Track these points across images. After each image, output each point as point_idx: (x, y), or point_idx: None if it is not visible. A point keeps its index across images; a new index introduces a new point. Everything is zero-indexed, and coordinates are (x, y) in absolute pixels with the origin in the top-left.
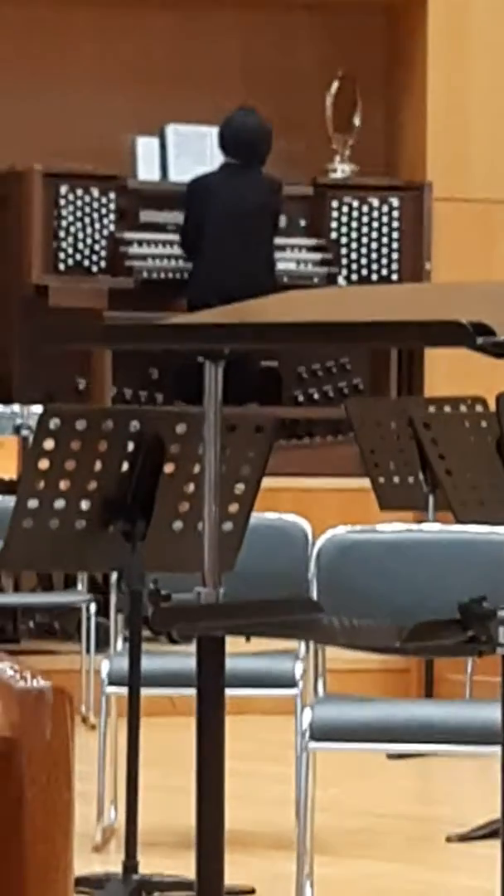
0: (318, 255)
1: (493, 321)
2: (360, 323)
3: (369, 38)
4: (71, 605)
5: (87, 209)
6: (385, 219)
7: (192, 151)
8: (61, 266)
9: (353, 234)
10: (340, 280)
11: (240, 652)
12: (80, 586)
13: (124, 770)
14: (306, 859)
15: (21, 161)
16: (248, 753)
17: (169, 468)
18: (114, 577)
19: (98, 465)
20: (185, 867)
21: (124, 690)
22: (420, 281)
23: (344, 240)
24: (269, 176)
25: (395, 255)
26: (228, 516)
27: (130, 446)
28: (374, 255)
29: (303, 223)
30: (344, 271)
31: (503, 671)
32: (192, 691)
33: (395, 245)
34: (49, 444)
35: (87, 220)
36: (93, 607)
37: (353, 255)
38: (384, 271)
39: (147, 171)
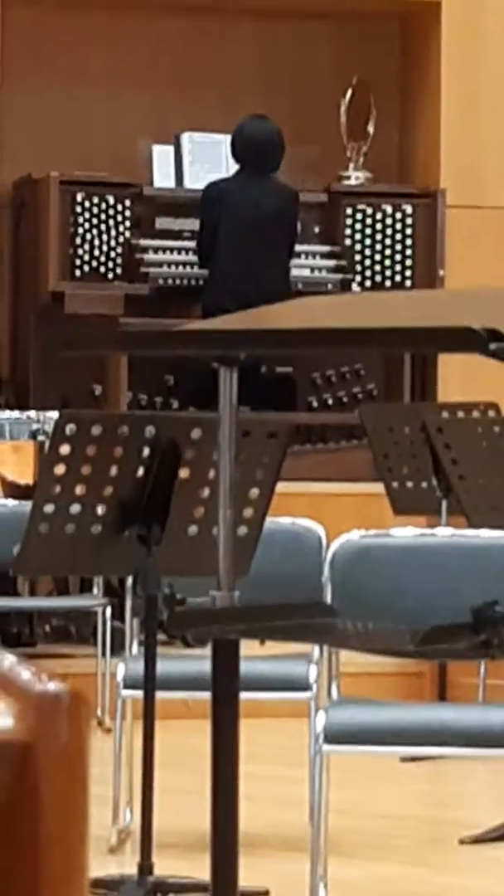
0: (332, 262)
1: None
2: (373, 329)
3: (384, 46)
4: (87, 609)
5: (103, 216)
6: (399, 225)
7: (208, 159)
8: (77, 273)
9: (367, 241)
10: (354, 286)
11: (254, 655)
12: (95, 590)
13: (140, 773)
14: (320, 861)
15: (37, 169)
16: (263, 756)
17: (184, 473)
18: (129, 581)
19: (114, 470)
20: (199, 869)
21: (140, 694)
22: (433, 287)
23: (358, 246)
24: (285, 184)
25: (408, 262)
26: (243, 521)
27: (146, 451)
28: (387, 262)
29: (317, 230)
30: (358, 278)
31: None
32: (207, 695)
33: (408, 252)
34: (65, 449)
35: (102, 227)
36: (108, 611)
37: (367, 262)
38: (398, 278)
39: (162, 178)
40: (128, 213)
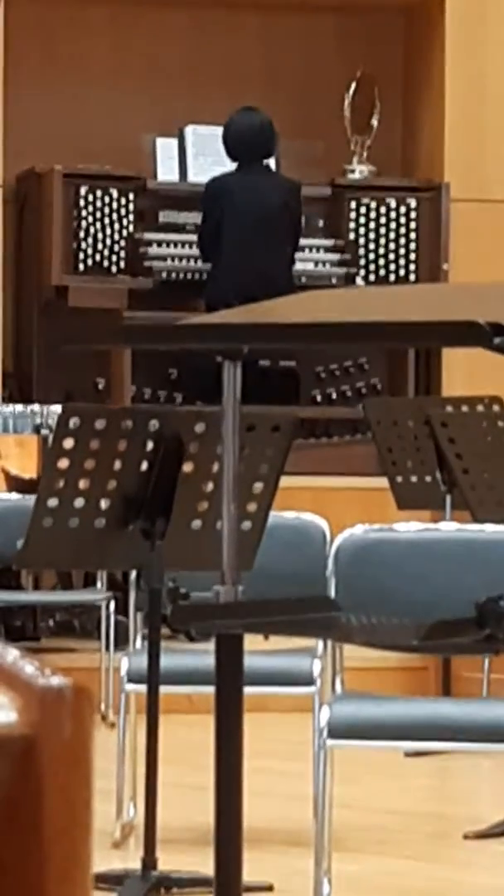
0: (336, 256)
1: None
2: (377, 323)
3: (387, 39)
4: (90, 604)
5: (107, 210)
6: (403, 219)
7: (211, 152)
8: (81, 266)
9: (371, 235)
10: (358, 280)
11: (258, 650)
12: (99, 585)
13: (143, 767)
14: (324, 856)
15: (41, 162)
16: (266, 751)
17: (188, 467)
18: (133, 575)
19: (117, 465)
20: (203, 864)
21: (143, 688)
22: (437, 281)
23: (362, 240)
24: (288, 177)
25: (412, 256)
26: (247, 515)
27: (150, 445)
28: (391, 256)
29: (321, 224)
30: (362, 272)
31: None
32: (211, 689)
33: (412, 245)
34: (69, 443)
35: (106, 220)
36: (112, 605)
37: (371, 256)
38: (402, 272)
39: (166, 171)
40: (131, 206)
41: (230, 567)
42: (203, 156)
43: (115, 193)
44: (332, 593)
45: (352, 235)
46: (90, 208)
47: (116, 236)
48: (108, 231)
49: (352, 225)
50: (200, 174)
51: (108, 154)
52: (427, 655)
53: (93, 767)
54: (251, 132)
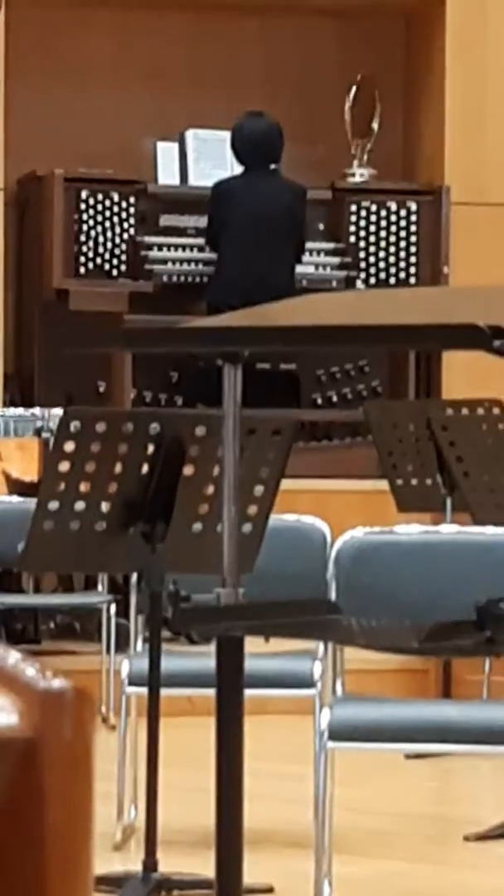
0: (336, 259)
1: None
2: (378, 326)
3: (388, 43)
4: (91, 606)
5: (108, 213)
6: (403, 223)
7: (212, 156)
8: (82, 270)
9: (372, 238)
10: (359, 284)
11: (259, 652)
12: (100, 587)
13: (144, 769)
14: (325, 858)
15: (42, 166)
16: (267, 753)
17: (188, 470)
18: (134, 578)
19: (118, 468)
20: (204, 866)
21: (144, 691)
22: (438, 284)
23: (362, 244)
24: (292, 181)
25: (413, 259)
26: (247, 518)
27: (150, 448)
28: (392, 259)
29: (321, 227)
30: (362, 275)
31: None
32: (212, 691)
33: (413, 249)
34: (70, 446)
35: (107, 224)
36: (113, 608)
37: (372, 259)
38: (402, 275)
39: (167, 175)
40: (132, 210)
41: (231, 570)
42: (204, 160)
43: (115, 197)
44: (333, 596)
45: (352, 239)
46: (91, 212)
47: (117, 240)
48: (109, 234)
49: (352, 228)
50: (201, 178)
51: (109, 158)
52: (427, 658)
53: (93, 769)
54: (260, 137)
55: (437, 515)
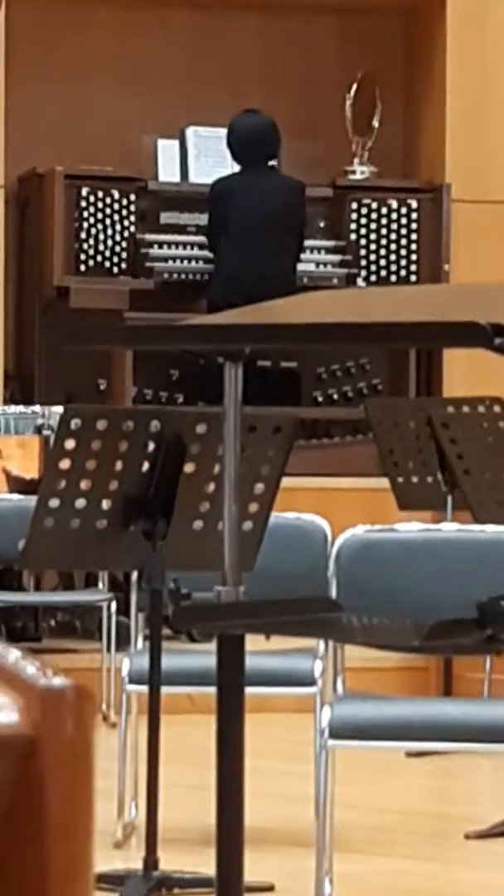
0: (337, 257)
1: None
2: (379, 324)
3: (389, 40)
4: (92, 604)
5: (108, 211)
6: (404, 220)
7: (213, 153)
8: (82, 267)
9: (373, 236)
10: (360, 281)
11: (259, 650)
12: (100, 585)
13: (144, 767)
14: (325, 856)
15: (42, 163)
16: (268, 751)
17: (189, 468)
18: (134, 576)
19: (119, 465)
20: (205, 864)
21: (145, 689)
22: (439, 282)
23: (363, 241)
24: (291, 177)
25: (413, 257)
26: (248, 516)
27: (151, 446)
28: (393, 257)
29: (322, 225)
30: (363, 272)
31: None
32: (212, 689)
33: (413, 246)
34: (70, 443)
35: (107, 221)
36: (113, 606)
37: (373, 257)
38: (403, 272)
39: (167, 173)
40: (133, 207)
41: (231, 567)
42: (204, 157)
43: (116, 194)
44: (334, 594)
45: (353, 236)
46: (92, 209)
47: (118, 237)
48: (110, 232)
49: (353, 226)
50: (202, 175)
51: (109, 155)
52: (428, 656)
53: (94, 767)
54: (255, 134)
55: (438, 513)
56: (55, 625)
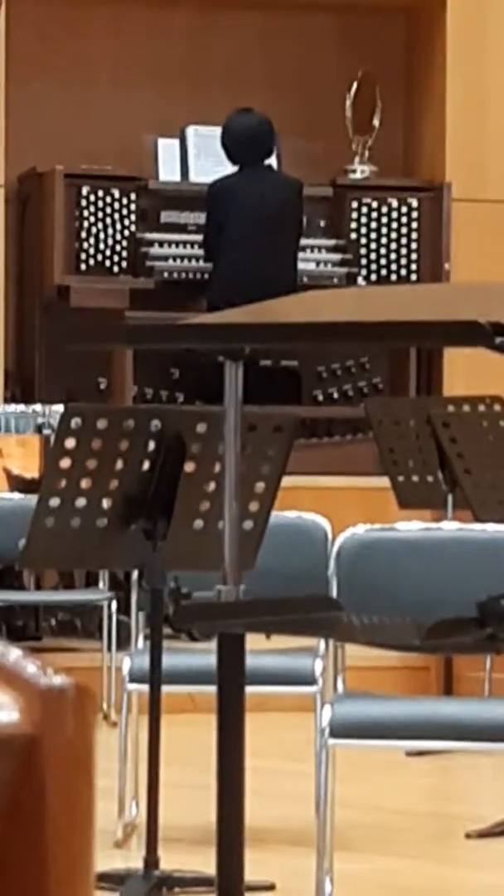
0: (337, 256)
1: None
2: (379, 323)
3: (389, 40)
4: (92, 603)
5: (109, 210)
6: (404, 219)
7: (213, 153)
8: (83, 266)
9: (373, 235)
10: (360, 280)
11: (260, 649)
12: (101, 584)
13: (145, 766)
14: (326, 855)
15: (42, 163)
16: (268, 750)
17: (189, 467)
18: (135, 575)
19: (119, 464)
20: (205, 863)
21: (145, 688)
22: (439, 281)
23: (363, 240)
24: (289, 176)
25: (414, 256)
26: (249, 515)
27: (151, 445)
28: (393, 256)
29: (322, 224)
30: (363, 271)
31: None
32: (213, 688)
33: (414, 245)
34: (71, 443)
35: (108, 220)
36: (114, 605)
37: (373, 256)
38: (403, 271)
39: (168, 172)
40: (133, 206)
41: (232, 567)
42: (204, 156)
43: (116, 194)
44: (334, 593)
45: (353, 235)
46: (92, 208)
47: (118, 236)
48: (110, 231)
49: (353, 225)
50: (202, 174)
51: (109, 154)
52: (429, 655)
53: (95, 766)
54: (250, 133)
55: (438, 512)
56: (56, 624)
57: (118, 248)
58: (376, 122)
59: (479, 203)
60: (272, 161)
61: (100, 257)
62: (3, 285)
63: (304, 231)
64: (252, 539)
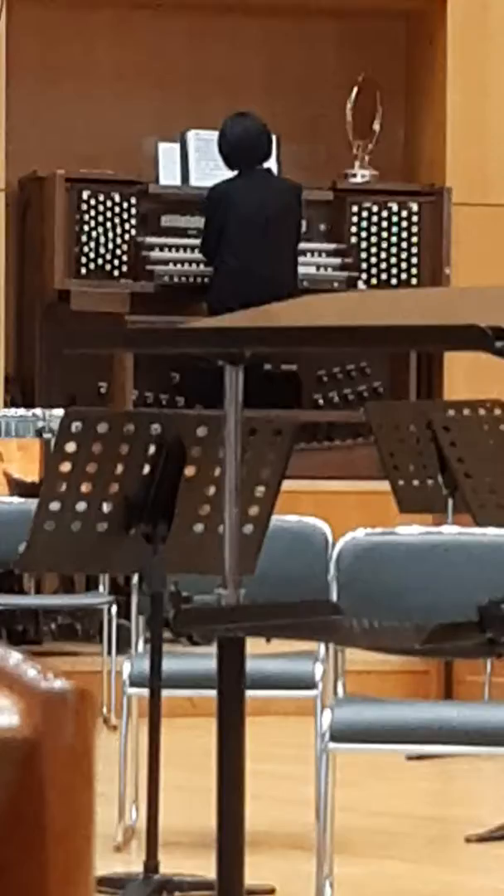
0: (338, 260)
1: None
2: (379, 327)
3: (389, 44)
4: (92, 607)
5: (109, 214)
6: (405, 223)
7: (213, 157)
8: (83, 270)
9: (373, 239)
10: (360, 284)
11: (260, 653)
12: (101, 588)
13: (145, 771)
14: (326, 859)
15: (43, 166)
16: (268, 754)
17: (190, 471)
18: (135, 579)
19: (119, 468)
20: (205, 867)
21: (145, 692)
22: (439, 285)
23: (364, 244)
24: (288, 179)
25: (414, 260)
26: (249, 519)
27: (152, 449)
28: (393, 260)
29: (323, 228)
30: (364, 276)
31: None
32: (213, 693)
33: (414, 249)
34: (71, 446)
35: (108, 224)
36: (114, 609)
37: (373, 260)
38: (404, 276)
39: (168, 176)
40: (133, 210)
41: (232, 571)
42: (205, 160)
43: (117, 198)
44: (334, 597)
45: (354, 239)
46: (92, 212)
47: (119, 240)
48: (111, 235)
49: (354, 229)
50: (202, 178)
51: (110, 158)
52: (429, 659)
53: (95, 770)
54: (246, 138)
55: (439, 516)
56: (56, 628)
57: (119, 251)
58: (377, 127)
59: (480, 207)
60: (272, 165)
61: (100, 261)
62: (3, 289)
63: (305, 235)
64: (252, 543)
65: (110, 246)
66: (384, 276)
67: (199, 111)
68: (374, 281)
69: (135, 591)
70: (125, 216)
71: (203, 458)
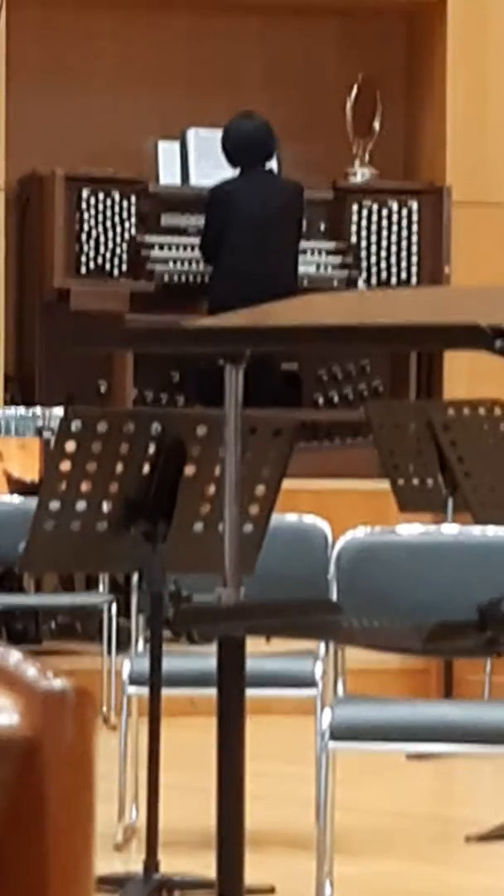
0: (338, 259)
1: None
2: (380, 326)
3: (389, 43)
4: (92, 606)
5: (109, 213)
6: (405, 222)
7: (214, 155)
8: (83, 269)
9: (373, 238)
10: (360, 283)
11: (260, 652)
12: (101, 587)
13: (145, 770)
14: (326, 859)
15: (43, 165)
16: (268, 753)
17: (190, 470)
18: (135, 578)
19: (119, 467)
20: (205, 866)
21: (145, 691)
22: (439, 284)
23: (364, 243)
24: (290, 179)
25: (414, 259)
26: (249, 518)
27: (151, 448)
28: (393, 259)
29: (323, 227)
30: (364, 274)
31: None
32: (213, 691)
33: (414, 248)
34: (71, 446)
35: (108, 223)
36: (114, 608)
37: (373, 259)
38: (404, 274)
39: (168, 175)
40: (133, 209)
41: (232, 570)
42: (205, 159)
43: (117, 196)
44: (334, 596)
45: (353, 238)
46: (92, 211)
47: (118, 239)
48: (110, 234)
49: (353, 228)
50: (202, 177)
51: (110, 157)
52: (429, 658)
53: (95, 769)
54: (250, 137)
55: (439, 516)
56: (56, 627)
57: (118, 251)
58: (377, 126)
59: (480, 206)
60: (272, 164)
61: (100, 260)
62: (3, 288)
63: (305, 234)
64: (252, 542)
65: (110, 245)
66: (384, 274)
67: (199, 110)
68: (373, 279)
69: (134, 590)
70: (125, 215)
71: (203, 458)
